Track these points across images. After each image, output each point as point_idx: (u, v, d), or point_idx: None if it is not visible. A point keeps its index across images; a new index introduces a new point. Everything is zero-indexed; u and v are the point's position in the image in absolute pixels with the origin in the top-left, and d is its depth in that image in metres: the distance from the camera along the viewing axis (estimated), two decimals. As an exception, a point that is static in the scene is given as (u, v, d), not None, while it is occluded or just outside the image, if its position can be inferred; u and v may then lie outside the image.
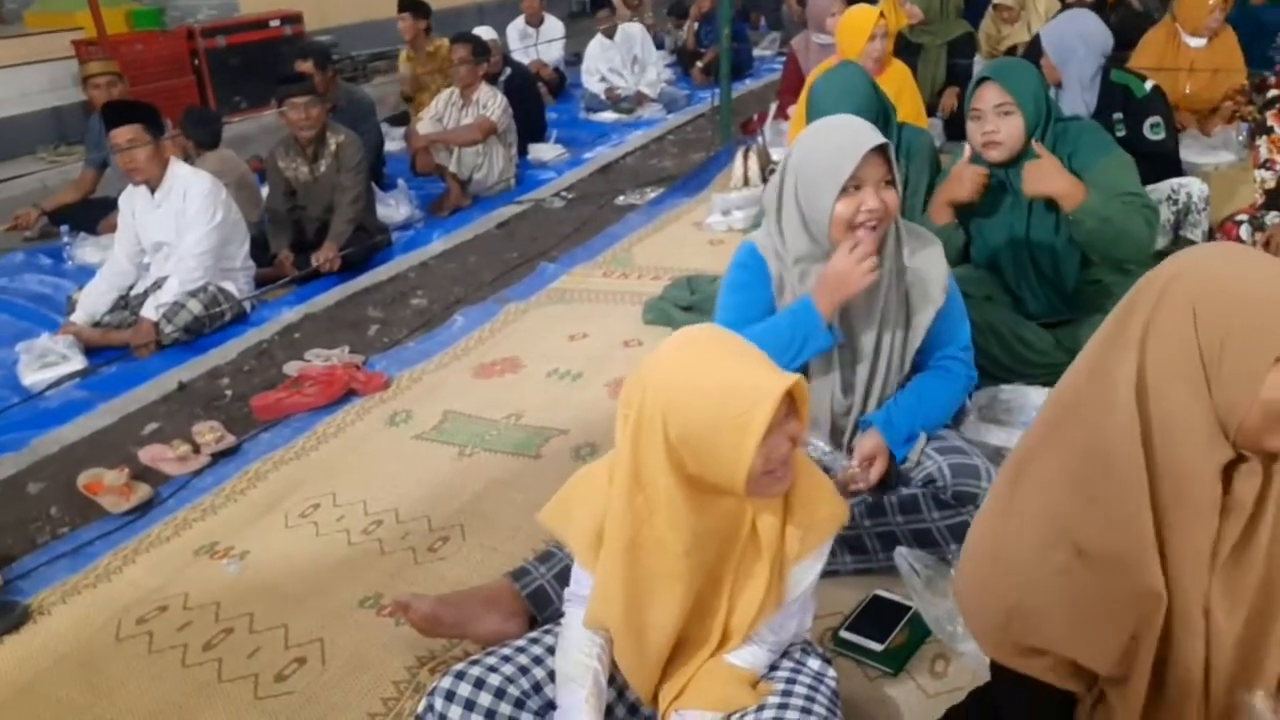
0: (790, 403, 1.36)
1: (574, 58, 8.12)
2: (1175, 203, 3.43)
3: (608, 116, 7.19)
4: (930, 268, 2.06)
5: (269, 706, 1.94)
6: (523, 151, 5.94)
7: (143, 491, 2.72)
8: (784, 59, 6.12)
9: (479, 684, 1.49)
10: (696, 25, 8.48)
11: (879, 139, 1.89)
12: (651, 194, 5.29)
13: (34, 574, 2.43)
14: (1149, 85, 3.51)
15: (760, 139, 5.06)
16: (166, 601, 2.28)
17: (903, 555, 1.98)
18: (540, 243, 4.68)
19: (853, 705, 1.72)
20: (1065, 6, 5.38)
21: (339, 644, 2.08)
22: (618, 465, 1.44)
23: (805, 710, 1.45)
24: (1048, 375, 2.53)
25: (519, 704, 1.50)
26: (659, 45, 8.32)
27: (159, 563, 2.44)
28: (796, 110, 3.91)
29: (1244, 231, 3.29)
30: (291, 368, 3.40)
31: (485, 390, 3.20)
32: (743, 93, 7.39)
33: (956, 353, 2.15)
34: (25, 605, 2.30)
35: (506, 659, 1.55)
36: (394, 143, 6.22)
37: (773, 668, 1.54)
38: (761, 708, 1.47)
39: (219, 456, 2.92)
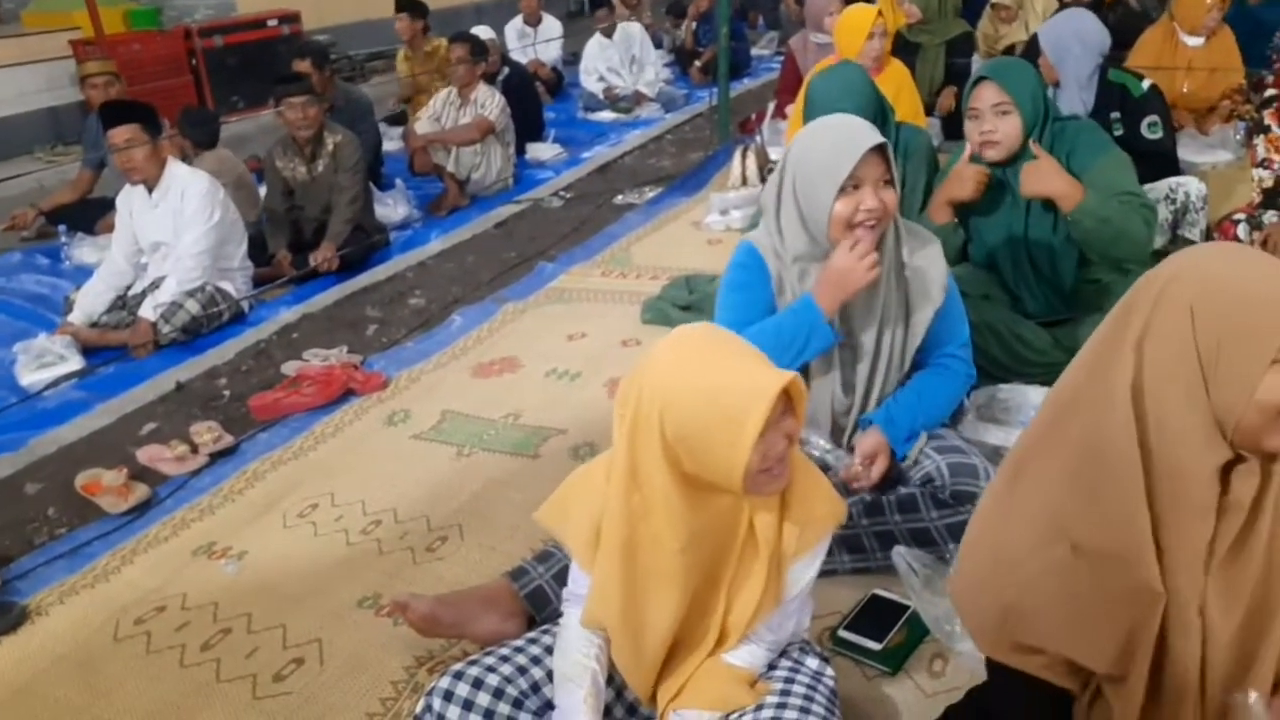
0: (787, 401, 1.36)
1: (572, 57, 8.11)
2: (1173, 202, 3.44)
3: (606, 116, 7.20)
4: (929, 266, 2.07)
5: (267, 707, 1.94)
6: (521, 151, 5.94)
7: (141, 492, 2.72)
8: (782, 58, 6.12)
9: (477, 684, 1.49)
10: (694, 24, 8.48)
11: (878, 138, 1.89)
12: (650, 193, 5.29)
13: (32, 574, 2.43)
14: (1146, 84, 3.51)
15: (758, 138, 5.06)
16: (165, 602, 2.28)
17: (901, 554, 1.98)
18: (538, 242, 4.68)
19: (851, 704, 1.72)
20: (1063, 6, 5.39)
21: (337, 644, 2.08)
22: (614, 464, 1.44)
23: (804, 710, 1.45)
24: (1046, 374, 2.53)
25: (517, 704, 1.50)
26: (657, 44, 8.32)
27: (157, 563, 2.44)
28: (794, 109, 3.91)
29: (1242, 230, 3.29)
30: (289, 368, 3.40)
31: (483, 390, 3.20)
32: (741, 92, 7.38)
33: (956, 351, 2.16)
34: (23, 606, 2.29)
35: (505, 659, 1.55)
36: (392, 142, 6.22)
37: (771, 667, 1.54)
38: (760, 707, 1.47)
39: (217, 457, 2.92)
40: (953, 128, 4.91)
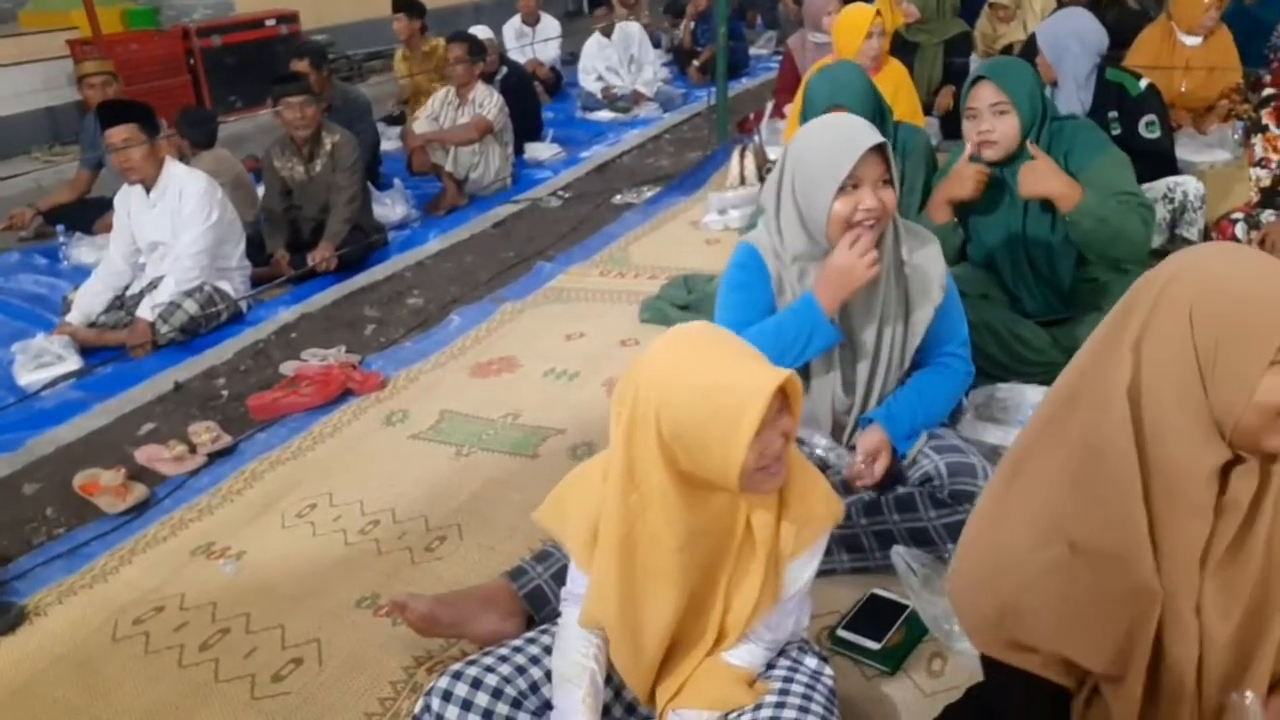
0: (783, 398, 1.36)
1: (570, 57, 8.11)
2: (1171, 201, 3.44)
3: (604, 115, 7.19)
4: (928, 265, 2.07)
5: (266, 707, 1.94)
6: (519, 151, 5.94)
7: (139, 492, 2.72)
8: (780, 58, 6.12)
9: (476, 684, 1.49)
10: (693, 24, 8.48)
11: (877, 138, 1.89)
12: (648, 193, 5.29)
13: (30, 575, 2.43)
14: (1144, 83, 3.51)
15: (757, 138, 5.05)
16: (163, 602, 2.28)
17: (899, 554, 1.98)
18: (537, 242, 4.68)
19: (850, 704, 1.72)
20: (1061, 5, 5.39)
21: (336, 644, 2.08)
22: (611, 462, 1.44)
23: (802, 709, 1.45)
24: (1044, 374, 2.54)
25: (516, 704, 1.50)
26: (655, 44, 8.32)
27: (155, 563, 2.44)
28: (793, 109, 3.92)
29: (1240, 230, 3.29)
30: (288, 367, 3.40)
31: (482, 390, 3.20)
32: (739, 91, 7.38)
33: (955, 349, 2.16)
34: (21, 606, 2.29)
35: (504, 659, 1.55)
36: (390, 142, 6.21)
37: (770, 666, 1.54)
38: (759, 706, 1.47)
39: (215, 457, 2.91)
40: (951, 127, 4.91)
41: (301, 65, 5.04)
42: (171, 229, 3.83)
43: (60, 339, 3.73)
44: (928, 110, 5.04)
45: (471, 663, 1.53)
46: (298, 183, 4.52)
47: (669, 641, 1.49)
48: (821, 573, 1.56)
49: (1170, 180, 3.46)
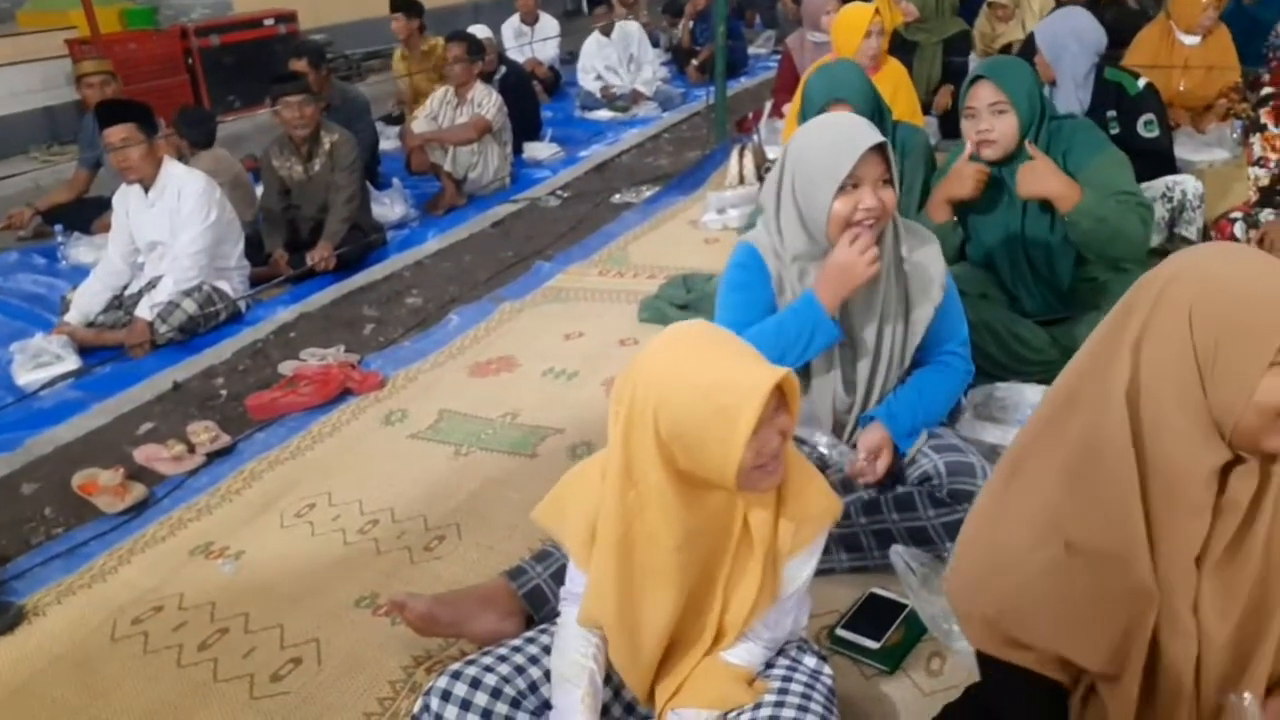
0: (780, 397, 1.36)
1: (569, 56, 8.11)
2: (1170, 200, 3.44)
3: (603, 115, 7.19)
4: (928, 264, 2.07)
5: (265, 707, 1.94)
6: (518, 150, 5.94)
7: (138, 491, 2.72)
8: (779, 57, 6.12)
9: (475, 683, 1.49)
10: (692, 23, 8.48)
11: (876, 137, 1.89)
12: (647, 192, 5.29)
13: (29, 575, 2.43)
14: (1142, 83, 3.51)
15: (755, 137, 5.05)
16: (162, 602, 2.28)
17: (898, 553, 1.98)
18: (535, 241, 4.68)
19: (849, 703, 1.72)
20: (1059, 4, 5.39)
21: (335, 644, 2.08)
22: (609, 461, 1.44)
23: (802, 708, 1.45)
24: (1043, 373, 2.54)
25: (515, 703, 1.50)
26: (654, 43, 8.32)
27: (154, 563, 2.44)
28: (792, 108, 3.91)
29: (1238, 229, 3.29)
30: (286, 367, 3.40)
31: (481, 389, 3.20)
32: (738, 91, 7.38)
33: (955, 348, 2.16)
34: (20, 606, 2.29)
35: (503, 658, 1.55)
36: (389, 141, 6.21)
37: (769, 665, 1.54)
38: (758, 706, 1.47)
39: (214, 456, 2.91)
40: (950, 126, 4.91)
41: (300, 65, 5.04)
42: (170, 228, 3.82)
43: (59, 339, 3.72)
44: (927, 109, 5.03)
45: (470, 662, 1.53)
46: (296, 182, 4.52)
47: (667, 640, 1.49)
48: (820, 572, 1.56)
49: (1169, 179, 3.46)
